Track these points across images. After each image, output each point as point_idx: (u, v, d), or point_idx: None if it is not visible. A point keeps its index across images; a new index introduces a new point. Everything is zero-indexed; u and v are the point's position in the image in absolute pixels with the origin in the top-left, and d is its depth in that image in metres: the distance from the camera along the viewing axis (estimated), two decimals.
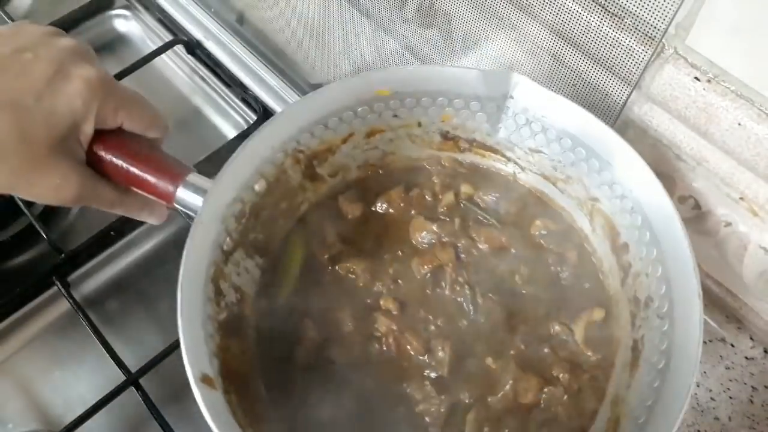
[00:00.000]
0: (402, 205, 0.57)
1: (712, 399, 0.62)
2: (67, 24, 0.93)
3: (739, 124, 0.47)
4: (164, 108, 0.90)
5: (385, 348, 0.51)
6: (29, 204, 0.74)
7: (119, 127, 0.49)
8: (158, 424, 0.62)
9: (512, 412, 0.48)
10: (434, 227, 0.55)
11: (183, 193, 0.48)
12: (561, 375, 0.49)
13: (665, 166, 0.55)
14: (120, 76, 0.85)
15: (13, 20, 0.92)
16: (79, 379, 0.69)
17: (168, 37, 0.93)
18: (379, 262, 0.54)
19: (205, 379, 0.43)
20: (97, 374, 0.68)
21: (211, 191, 0.47)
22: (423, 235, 0.55)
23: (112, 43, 0.97)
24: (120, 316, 0.72)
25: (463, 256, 0.54)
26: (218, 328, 0.46)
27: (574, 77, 0.54)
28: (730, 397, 0.61)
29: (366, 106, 0.54)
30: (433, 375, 0.50)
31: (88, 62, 0.47)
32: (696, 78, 0.48)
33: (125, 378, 0.64)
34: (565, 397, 0.48)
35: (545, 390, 0.49)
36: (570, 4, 0.51)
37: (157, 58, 0.90)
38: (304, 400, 0.49)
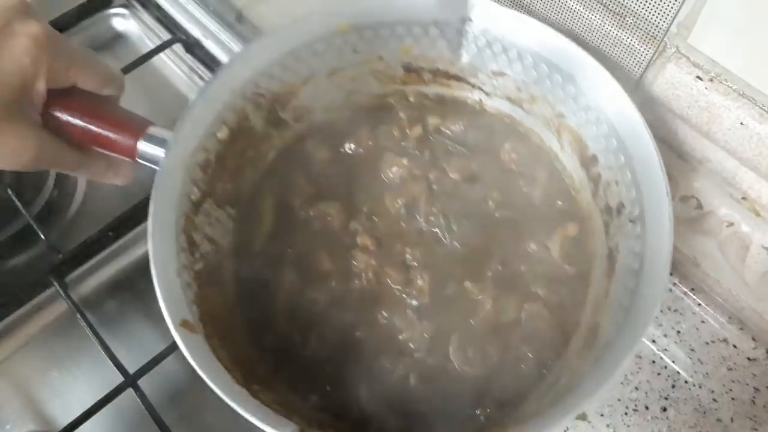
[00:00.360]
0: (370, 143, 0.57)
1: (714, 400, 0.62)
2: (65, 23, 0.93)
3: (742, 124, 0.47)
4: (162, 107, 0.91)
5: (365, 283, 0.51)
6: (27, 204, 0.73)
7: (73, 86, 0.48)
8: (157, 426, 0.62)
9: (494, 331, 0.49)
10: (404, 162, 0.55)
11: (145, 146, 0.47)
12: (540, 291, 0.50)
13: (667, 166, 0.55)
14: None
15: None
16: (77, 380, 0.69)
17: (166, 36, 0.93)
18: (353, 202, 0.55)
19: (185, 324, 0.43)
20: (95, 375, 0.68)
21: (172, 140, 0.47)
22: (394, 170, 0.55)
23: (111, 42, 0.96)
24: (118, 316, 0.72)
25: (435, 187, 0.54)
26: (195, 278, 0.47)
27: None
28: (733, 399, 0.61)
29: (324, 43, 0.53)
30: (414, 303, 0.50)
31: (33, 18, 0.45)
32: (698, 77, 0.48)
33: (123, 379, 0.64)
34: (546, 311, 0.49)
35: (525, 307, 0.50)
36: (572, 3, 0.50)
37: (156, 57, 0.90)
38: (288, 340, 0.50)
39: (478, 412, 0.47)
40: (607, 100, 0.48)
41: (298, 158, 0.57)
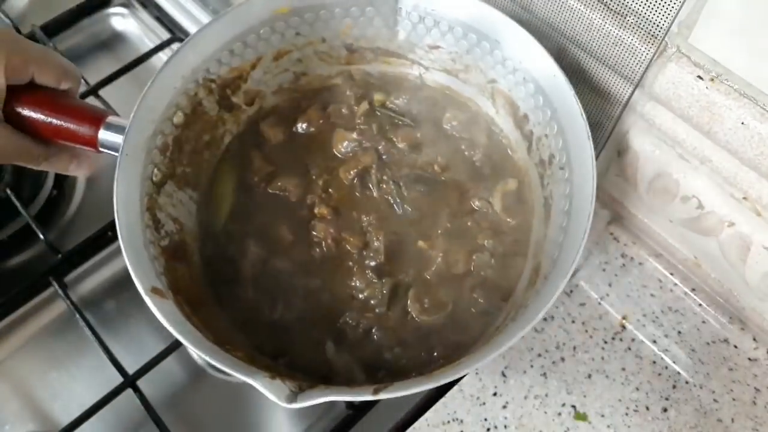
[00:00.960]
0: (321, 122, 0.61)
1: (715, 401, 0.62)
2: (65, 22, 0.93)
3: (743, 123, 0.47)
4: None
5: (326, 249, 0.55)
6: (26, 204, 0.73)
7: (32, 81, 0.50)
8: (156, 426, 0.62)
9: (447, 282, 0.54)
10: (354, 135, 0.59)
11: (105, 135, 0.51)
12: (486, 242, 0.55)
13: (668, 165, 0.54)
14: (117, 74, 0.85)
15: (10, 19, 0.91)
16: (76, 381, 0.69)
17: (166, 36, 0.93)
18: (308, 177, 0.58)
19: (155, 291, 0.46)
20: (94, 376, 0.68)
21: (130, 125, 0.50)
22: (345, 144, 0.59)
23: (110, 42, 0.96)
24: (118, 316, 0.72)
25: (384, 156, 0.58)
26: (161, 252, 0.50)
27: (576, 75, 0.54)
28: (733, 399, 0.61)
29: (268, 27, 0.56)
30: (372, 264, 0.55)
31: None
32: (699, 77, 0.48)
33: (123, 380, 0.63)
34: (493, 260, 0.54)
35: (473, 258, 0.54)
36: (573, 2, 0.50)
37: (155, 57, 0.90)
38: (256, 307, 0.53)
39: (435, 354, 0.51)
40: (529, 60, 0.52)
41: (253, 140, 0.60)
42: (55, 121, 0.50)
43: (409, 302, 0.53)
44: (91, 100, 0.83)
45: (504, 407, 0.63)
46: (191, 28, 0.93)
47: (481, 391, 0.64)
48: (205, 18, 0.94)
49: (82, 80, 0.84)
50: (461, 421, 0.62)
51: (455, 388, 0.64)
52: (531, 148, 0.54)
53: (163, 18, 0.95)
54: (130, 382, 0.63)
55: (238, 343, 0.50)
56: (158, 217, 0.52)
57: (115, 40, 0.97)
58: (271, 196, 0.58)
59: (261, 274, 0.55)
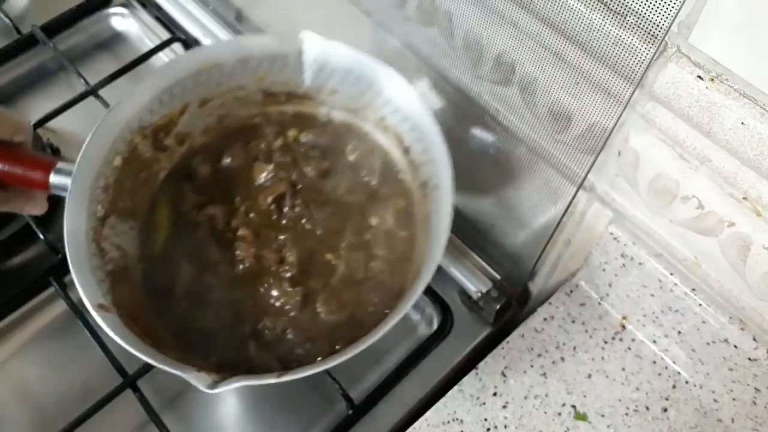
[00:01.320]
0: (243, 156, 0.69)
1: (715, 401, 0.62)
2: (64, 22, 0.93)
3: (743, 123, 0.47)
4: None
5: (248, 265, 0.63)
6: None
7: None
8: (156, 426, 0.62)
9: (350, 287, 0.62)
10: (271, 167, 0.68)
11: (55, 179, 0.58)
12: (380, 252, 0.64)
13: (668, 165, 0.55)
14: (117, 74, 0.85)
15: (10, 19, 0.91)
16: (76, 381, 0.69)
17: (166, 36, 0.93)
18: (233, 204, 0.67)
19: (101, 306, 0.54)
20: (94, 376, 0.68)
21: (75, 171, 0.58)
22: (263, 175, 0.68)
23: (110, 42, 0.96)
24: None
25: (298, 185, 0.67)
26: (107, 276, 0.58)
27: (576, 75, 0.54)
28: (734, 399, 0.61)
29: (192, 80, 0.64)
30: (287, 275, 0.63)
31: None
32: (699, 77, 0.48)
33: (123, 380, 0.64)
34: (386, 266, 0.63)
35: (370, 265, 0.63)
36: (572, 2, 0.50)
37: (155, 57, 0.90)
38: (190, 317, 0.61)
39: (338, 347, 0.59)
40: (405, 101, 0.62)
41: (185, 175, 0.68)
42: (11, 169, 0.59)
43: (318, 305, 0.61)
44: (90, 100, 0.83)
45: (504, 407, 0.63)
46: (191, 28, 0.93)
47: (481, 391, 0.64)
48: (205, 18, 0.94)
49: (83, 81, 0.84)
50: (461, 421, 0.62)
51: (455, 388, 0.64)
52: (414, 173, 0.64)
53: (163, 18, 0.95)
54: (129, 382, 0.63)
55: (174, 347, 0.58)
56: (103, 246, 0.59)
57: (115, 40, 0.97)
58: (201, 222, 0.66)
59: (193, 288, 0.62)
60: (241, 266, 0.64)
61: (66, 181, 0.58)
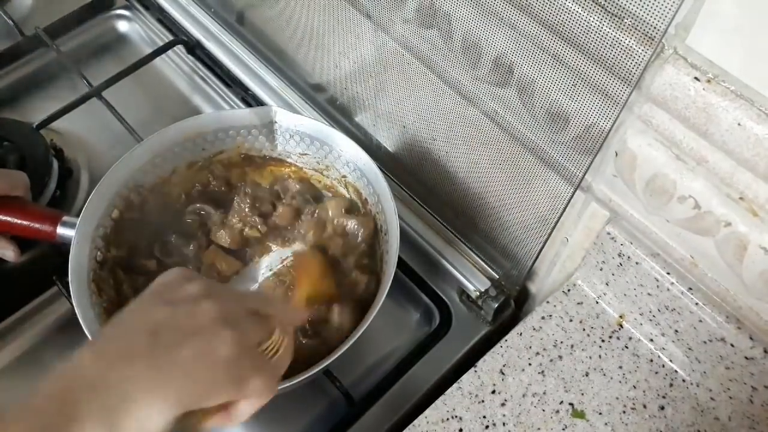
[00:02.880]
0: (223, 207, 0.76)
1: (712, 399, 0.62)
2: (68, 24, 0.94)
3: (739, 124, 0.47)
4: (164, 108, 0.91)
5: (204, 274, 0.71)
6: None
7: None
8: None
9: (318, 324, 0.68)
10: (246, 210, 0.75)
11: (62, 231, 0.67)
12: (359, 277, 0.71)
13: (665, 166, 0.55)
14: (120, 76, 0.86)
15: (13, 21, 0.92)
16: None
17: (168, 38, 0.94)
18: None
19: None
20: None
21: (79, 223, 0.66)
22: (236, 219, 0.75)
23: (113, 44, 0.97)
24: None
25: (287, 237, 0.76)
26: (104, 311, 0.64)
27: (574, 77, 0.54)
28: (730, 397, 0.61)
29: (180, 146, 0.74)
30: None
31: None
32: (696, 78, 0.48)
33: None
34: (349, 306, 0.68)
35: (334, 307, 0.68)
36: (570, 4, 0.51)
37: (157, 59, 0.90)
38: None
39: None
40: (360, 162, 0.72)
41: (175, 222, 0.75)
42: (21, 222, 0.67)
43: (301, 338, 0.66)
44: (93, 102, 0.83)
45: (502, 405, 0.63)
46: (193, 30, 0.94)
47: (480, 389, 0.64)
48: (206, 20, 0.95)
49: (86, 82, 0.85)
50: (460, 419, 0.63)
51: (454, 386, 0.64)
52: (374, 219, 0.73)
53: (165, 20, 0.95)
54: None
55: None
56: (101, 286, 0.66)
57: (117, 42, 0.97)
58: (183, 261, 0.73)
59: None
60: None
61: (71, 232, 0.66)
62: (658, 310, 0.64)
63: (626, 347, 0.66)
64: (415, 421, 0.63)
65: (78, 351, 0.44)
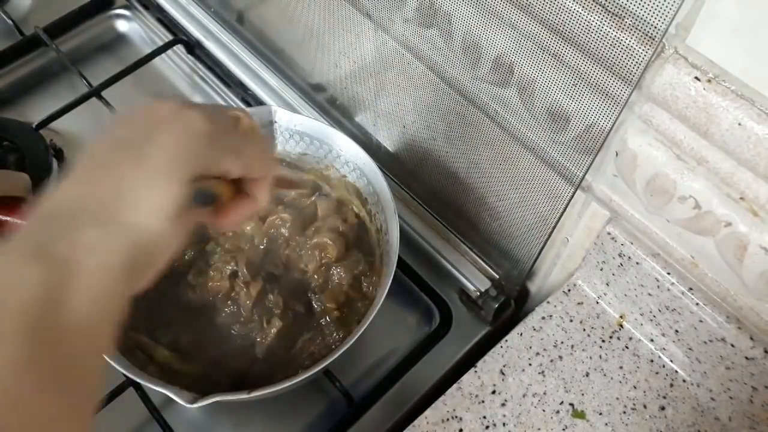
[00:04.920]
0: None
1: (712, 399, 0.62)
2: (67, 24, 0.94)
3: (740, 124, 0.47)
4: None
5: (234, 309, 0.69)
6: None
7: None
8: (158, 424, 0.63)
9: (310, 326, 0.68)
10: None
11: None
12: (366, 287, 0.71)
13: (665, 166, 0.55)
14: (120, 76, 0.86)
15: (13, 21, 0.92)
16: None
17: (168, 37, 0.94)
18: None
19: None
20: None
21: None
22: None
23: (112, 43, 0.97)
24: None
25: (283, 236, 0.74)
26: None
27: (574, 77, 0.54)
28: (731, 398, 0.61)
29: None
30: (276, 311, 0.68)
31: None
32: (696, 78, 0.48)
33: (125, 378, 0.64)
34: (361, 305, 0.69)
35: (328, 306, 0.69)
36: (570, 4, 0.51)
37: (157, 58, 0.90)
38: (190, 358, 0.65)
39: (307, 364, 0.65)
40: (360, 161, 0.72)
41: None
42: (22, 222, 0.65)
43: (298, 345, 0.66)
44: (93, 102, 0.83)
45: (503, 405, 0.63)
46: (193, 29, 0.94)
47: (480, 390, 0.64)
48: (206, 20, 0.94)
49: (86, 82, 0.85)
50: (460, 419, 0.63)
51: (454, 386, 0.64)
52: (372, 220, 0.73)
53: (165, 20, 0.95)
54: (132, 380, 0.64)
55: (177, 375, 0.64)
56: None
57: (117, 42, 0.97)
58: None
59: (191, 339, 0.67)
60: (226, 310, 0.68)
61: None
62: (659, 311, 0.64)
63: (626, 347, 0.66)
64: (415, 422, 0.63)
65: (50, 188, 0.41)
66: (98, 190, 0.40)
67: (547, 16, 0.53)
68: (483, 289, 0.73)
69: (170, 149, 0.41)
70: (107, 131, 0.44)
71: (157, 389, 0.57)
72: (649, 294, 0.63)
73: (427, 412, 0.63)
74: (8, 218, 0.68)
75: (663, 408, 0.63)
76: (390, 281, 0.62)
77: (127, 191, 0.40)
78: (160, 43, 0.92)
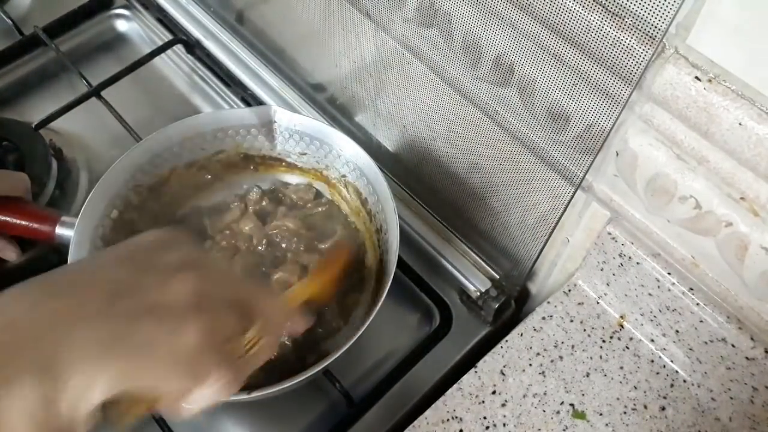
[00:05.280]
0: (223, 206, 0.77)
1: (712, 399, 0.62)
2: (67, 23, 0.94)
3: (740, 124, 0.47)
4: (163, 108, 0.91)
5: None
6: None
7: None
8: (158, 424, 0.63)
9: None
10: (243, 206, 0.76)
11: (60, 230, 0.68)
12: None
13: (666, 166, 0.55)
14: (119, 75, 0.86)
15: (12, 20, 0.92)
16: None
17: (167, 37, 0.94)
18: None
19: None
20: None
21: (78, 223, 0.66)
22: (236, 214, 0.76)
23: (112, 43, 0.97)
24: None
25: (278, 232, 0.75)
26: None
27: (574, 77, 0.54)
28: (731, 398, 0.61)
29: (179, 146, 0.74)
30: None
31: None
32: (697, 78, 0.48)
33: None
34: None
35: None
36: (570, 4, 0.51)
37: (157, 58, 0.90)
38: None
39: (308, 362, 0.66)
40: (360, 161, 0.72)
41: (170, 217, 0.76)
42: (20, 222, 0.68)
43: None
44: (93, 102, 0.83)
45: (503, 405, 0.63)
46: (192, 29, 0.94)
47: (480, 390, 0.64)
48: (206, 19, 0.94)
49: (85, 82, 0.85)
50: (460, 420, 0.63)
51: (454, 386, 0.64)
52: (371, 220, 0.74)
53: (164, 19, 0.95)
54: None
55: None
56: None
57: (117, 42, 0.97)
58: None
59: None
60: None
61: (70, 232, 0.66)
62: (659, 311, 0.63)
63: (627, 348, 0.66)
64: (415, 422, 0.63)
65: (9, 291, 0.38)
66: (52, 338, 0.37)
67: (548, 16, 0.53)
68: (483, 290, 0.73)
69: (141, 350, 0.39)
70: (109, 261, 0.43)
71: None
72: (650, 294, 0.63)
73: (427, 413, 0.63)
74: (8, 218, 0.68)
75: (663, 408, 0.63)
76: (390, 281, 0.62)
77: (73, 365, 0.36)
78: (160, 43, 0.92)
